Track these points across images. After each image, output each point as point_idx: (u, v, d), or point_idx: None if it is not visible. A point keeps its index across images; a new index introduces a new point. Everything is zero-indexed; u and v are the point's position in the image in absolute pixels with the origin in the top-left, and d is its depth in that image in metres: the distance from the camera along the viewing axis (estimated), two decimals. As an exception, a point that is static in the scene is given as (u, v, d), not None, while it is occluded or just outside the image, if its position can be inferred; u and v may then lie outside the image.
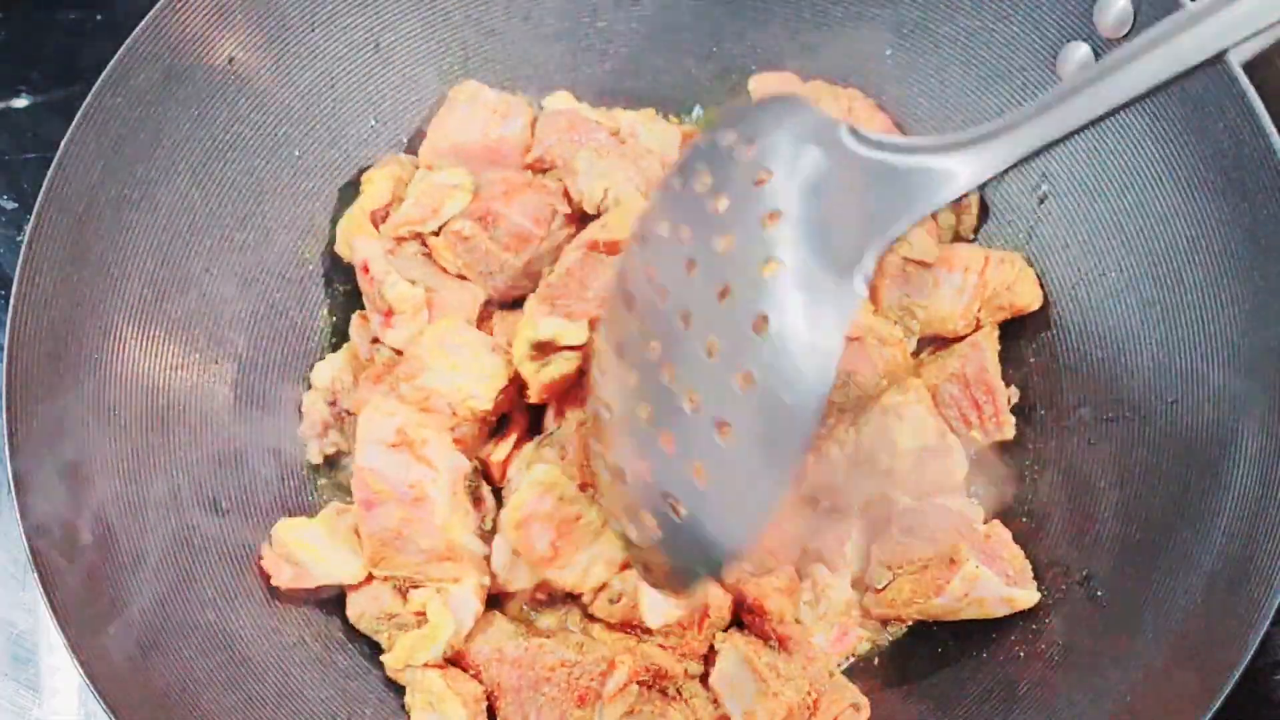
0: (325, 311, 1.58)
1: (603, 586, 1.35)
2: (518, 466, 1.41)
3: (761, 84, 1.61)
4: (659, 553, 1.08)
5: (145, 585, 1.28)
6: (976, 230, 1.54)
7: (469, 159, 1.55)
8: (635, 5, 1.62)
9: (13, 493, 1.18)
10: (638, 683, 1.31)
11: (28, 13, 1.88)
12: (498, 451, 1.43)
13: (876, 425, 1.38)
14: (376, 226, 1.52)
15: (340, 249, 1.55)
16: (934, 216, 1.49)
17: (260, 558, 1.39)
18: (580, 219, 1.49)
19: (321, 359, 1.55)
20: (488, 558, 1.38)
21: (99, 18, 1.87)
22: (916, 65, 1.54)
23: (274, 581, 1.37)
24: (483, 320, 1.49)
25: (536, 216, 1.45)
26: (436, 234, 1.48)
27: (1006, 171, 0.97)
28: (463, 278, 1.50)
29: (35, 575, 1.17)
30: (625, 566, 1.34)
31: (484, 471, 1.43)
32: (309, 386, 1.53)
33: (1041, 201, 1.48)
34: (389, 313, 1.46)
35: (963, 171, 0.97)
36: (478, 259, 1.46)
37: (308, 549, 1.37)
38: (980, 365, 1.42)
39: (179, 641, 1.26)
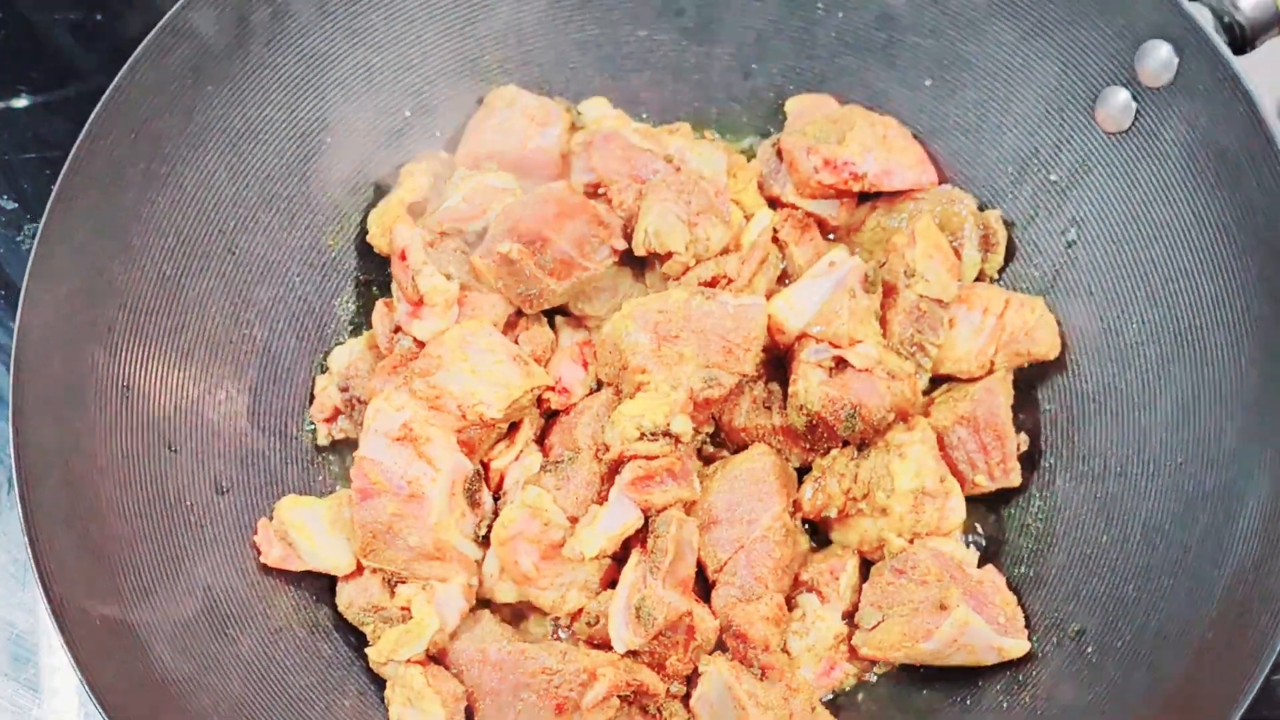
0: (345, 299, 1.59)
1: (579, 611, 1.35)
2: (515, 478, 1.41)
3: (799, 105, 1.60)
4: None
5: (139, 560, 1.29)
6: (1001, 271, 1.52)
7: (506, 165, 1.55)
8: (679, 16, 1.62)
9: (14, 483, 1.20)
10: (619, 697, 1.30)
11: (28, 13, 1.87)
12: (501, 459, 1.43)
13: (878, 462, 1.37)
14: (414, 218, 1.52)
15: (373, 238, 1.55)
16: (957, 253, 1.47)
17: (254, 532, 1.40)
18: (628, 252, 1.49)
19: (340, 344, 1.55)
20: (480, 561, 1.39)
21: (99, 18, 1.86)
22: (955, 98, 1.53)
23: (262, 558, 1.38)
24: (509, 328, 1.49)
25: (584, 248, 1.45)
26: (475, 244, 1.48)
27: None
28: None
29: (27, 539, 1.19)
30: (604, 587, 1.35)
31: (485, 475, 1.43)
32: (323, 370, 1.54)
33: (1069, 246, 1.46)
34: (419, 303, 1.46)
35: None
36: (519, 281, 1.44)
37: (303, 532, 1.38)
38: (991, 410, 1.40)
39: (163, 613, 1.27)
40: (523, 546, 1.34)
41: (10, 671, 1.51)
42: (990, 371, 1.45)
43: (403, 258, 1.47)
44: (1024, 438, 1.44)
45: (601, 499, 1.35)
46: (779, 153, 1.54)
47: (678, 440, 1.33)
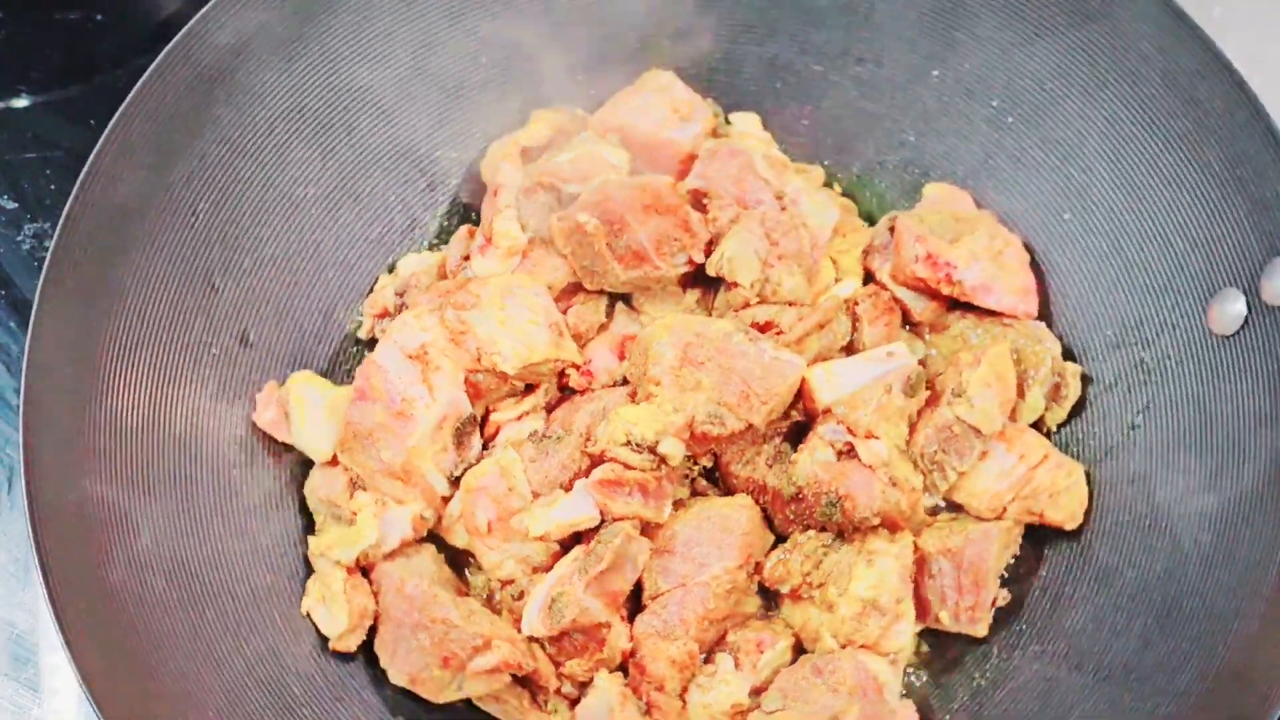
0: (440, 214, 1.63)
1: (510, 582, 1.36)
2: (507, 435, 1.42)
3: (936, 192, 1.57)
4: None
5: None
6: (1062, 426, 1.46)
7: (632, 145, 1.54)
8: (859, 64, 1.60)
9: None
10: (512, 675, 1.32)
11: (28, 13, 1.88)
12: (503, 414, 1.44)
13: (844, 558, 1.33)
14: (524, 161, 1.54)
15: (484, 166, 1.58)
16: (1022, 391, 1.42)
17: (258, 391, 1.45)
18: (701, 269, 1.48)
19: (416, 253, 1.59)
20: (447, 498, 1.41)
21: (99, 18, 1.85)
22: (1085, 242, 1.47)
23: (254, 416, 1.43)
24: (565, 295, 1.49)
25: (661, 247, 1.44)
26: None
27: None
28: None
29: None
30: (549, 569, 1.36)
31: (483, 423, 1.45)
32: (390, 270, 1.58)
33: (1132, 429, 1.40)
34: (488, 242, 1.49)
35: None
36: (587, 255, 1.44)
37: (301, 408, 1.42)
38: (980, 555, 1.35)
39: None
40: (484, 501, 1.36)
41: (10, 671, 1.52)
42: (999, 517, 1.39)
43: (494, 194, 1.50)
44: (1006, 594, 1.39)
45: (569, 486, 1.35)
46: (892, 229, 1.50)
47: (663, 461, 1.33)
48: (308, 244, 1.54)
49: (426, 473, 1.37)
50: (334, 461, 1.42)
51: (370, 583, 1.38)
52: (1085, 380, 1.45)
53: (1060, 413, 1.45)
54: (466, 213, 1.63)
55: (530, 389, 1.47)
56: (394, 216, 1.60)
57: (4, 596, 1.53)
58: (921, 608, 1.37)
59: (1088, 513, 1.40)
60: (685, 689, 1.33)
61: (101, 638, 1.19)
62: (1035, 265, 1.50)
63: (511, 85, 1.61)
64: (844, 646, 1.33)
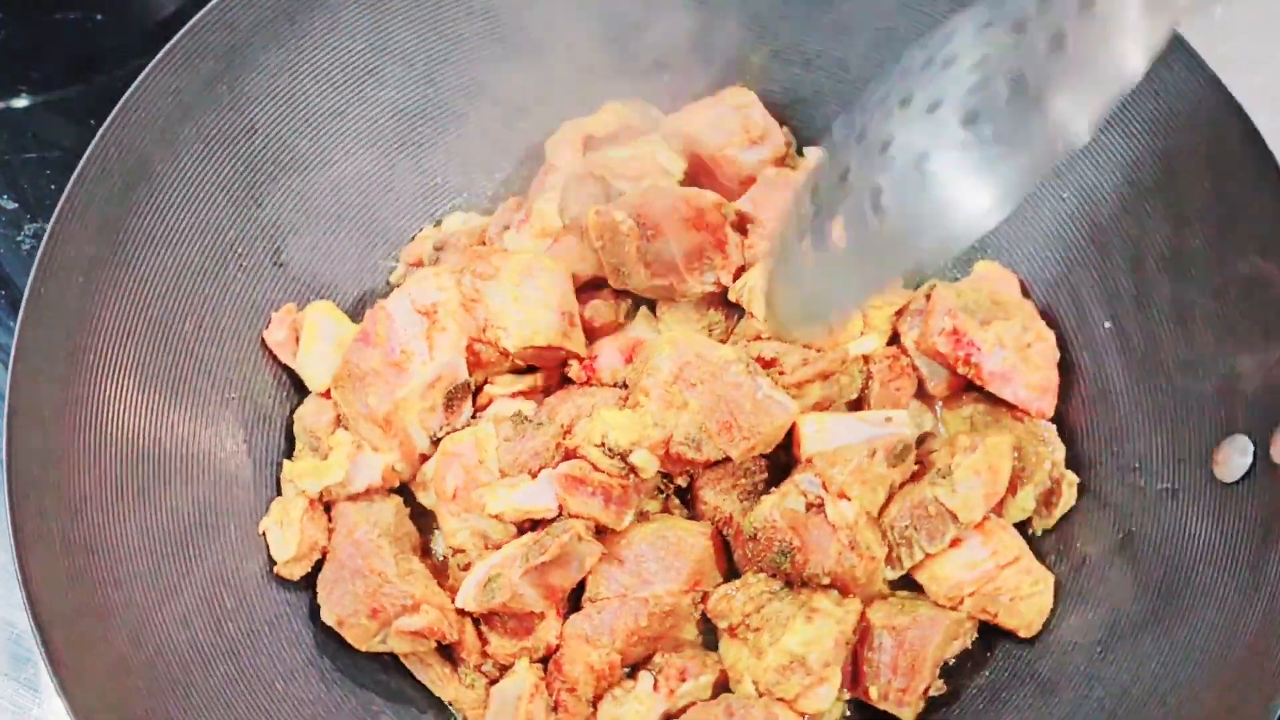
0: (501, 179, 1.65)
1: (462, 551, 1.38)
2: (495, 410, 1.44)
3: (985, 269, 1.54)
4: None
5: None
6: (1049, 531, 1.43)
7: (697, 156, 1.55)
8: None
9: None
10: (437, 641, 1.34)
11: (28, 13, 1.87)
12: (498, 387, 1.46)
13: (785, 608, 1.32)
14: (584, 148, 1.56)
15: (550, 144, 1.58)
16: (1013, 490, 1.39)
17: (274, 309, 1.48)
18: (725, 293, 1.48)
19: (463, 212, 1.62)
20: (425, 456, 1.43)
21: (99, 18, 1.85)
22: (1121, 351, 1.43)
23: (265, 332, 1.46)
24: (588, 288, 1.51)
25: (691, 263, 1.44)
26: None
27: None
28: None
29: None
30: (490, 547, 1.37)
31: (477, 392, 1.46)
32: (436, 224, 1.61)
33: (1111, 553, 1.37)
34: (527, 218, 1.51)
35: None
36: (617, 254, 1.44)
37: (311, 335, 1.45)
38: (922, 640, 1.32)
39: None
40: (455, 467, 1.38)
41: (10, 671, 1.52)
42: (955, 607, 1.37)
43: (546, 173, 1.52)
44: (943, 685, 1.36)
45: (536, 474, 1.36)
46: (928, 296, 1.48)
47: (633, 470, 1.33)
48: (362, 180, 1.56)
49: (409, 426, 1.39)
50: (327, 394, 1.45)
51: (329, 519, 1.41)
52: (1081, 491, 1.42)
53: (1049, 520, 1.42)
54: (526, 185, 1.63)
55: (532, 371, 1.48)
56: (451, 172, 1.62)
57: (4, 596, 1.54)
58: (855, 678, 1.36)
59: (1047, 623, 1.36)
60: (600, 696, 1.34)
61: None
62: (1064, 364, 1.47)
63: (601, 70, 1.60)
64: (762, 695, 1.32)
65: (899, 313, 1.51)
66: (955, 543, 1.36)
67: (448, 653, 1.39)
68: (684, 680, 1.34)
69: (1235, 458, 1.27)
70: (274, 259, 1.50)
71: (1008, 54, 0.91)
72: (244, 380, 1.45)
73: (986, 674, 1.39)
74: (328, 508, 1.42)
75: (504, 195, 1.63)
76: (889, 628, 1.34)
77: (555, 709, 1.32)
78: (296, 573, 1.38)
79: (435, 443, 1.42)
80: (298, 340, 1.46)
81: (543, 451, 1.37)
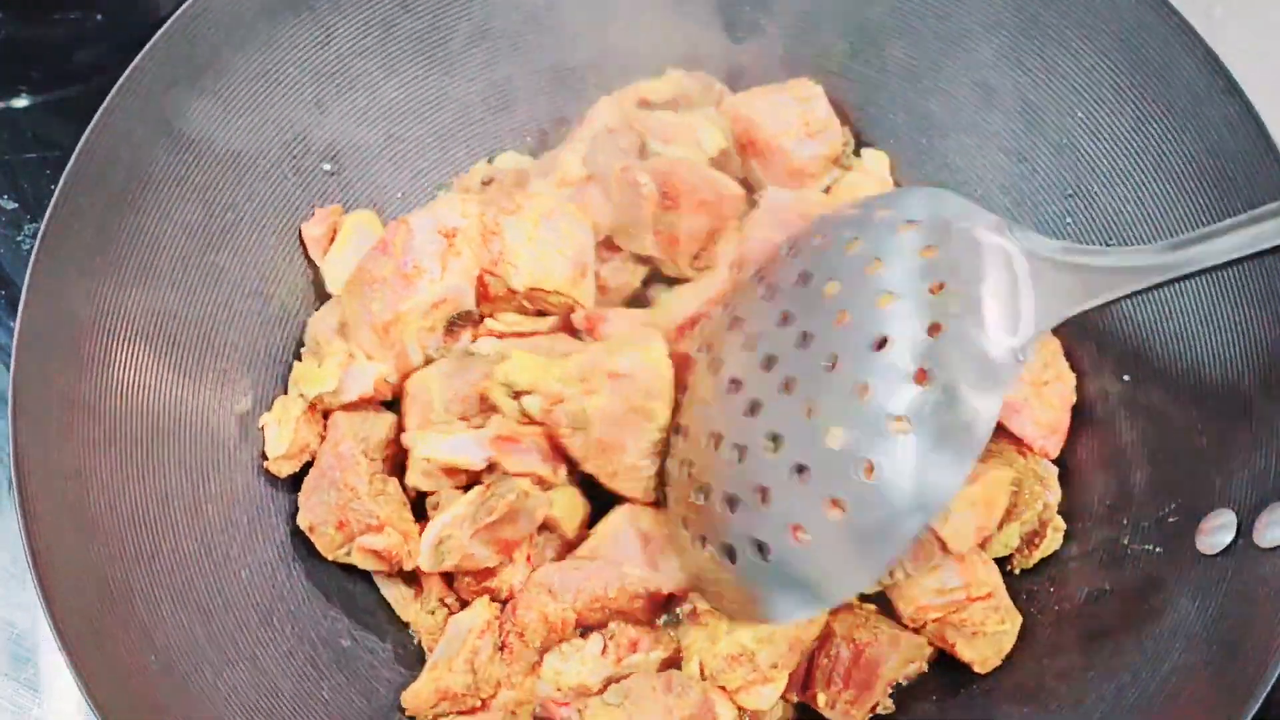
0: (555, 126, 1.65)
1: (430, 494, 1.39)
2: (481, 344, 1.43)
3: None
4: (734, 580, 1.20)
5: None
6: (1025, 572, 1.41)
7: (751, 141, 1.54)
8: (1013, 160, 1.53)
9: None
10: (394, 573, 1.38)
11: (28, 13, 1.87)
12: (497, 324, 1.45)
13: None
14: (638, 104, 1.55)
15: (607, 100, 1.58)
16: (1000, 524, 1.36)
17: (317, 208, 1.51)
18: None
19: (518, 153, 1.63)
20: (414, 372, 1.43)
21: (99, 18, 1.85)
22: (1133, 404, 1.40)
23: (304, 224, 1.49)
24: (608, 246, 1.49)
25: (692, 243, 1.43)
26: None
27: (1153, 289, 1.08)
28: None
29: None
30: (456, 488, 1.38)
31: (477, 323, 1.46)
32: (489, 160, 1.62)
33: (1086, 603, 1.35)
34: (552, 168, 1.52)
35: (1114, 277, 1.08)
36: (630, 213, 1.43)
37: (346, 237, 1.48)
38: (879, 659, 1.31)
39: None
40: (415, 408, 1.40)
41: (10, 671, 1.52)
42: (917, 629, 1.36)
43: (580, 123, 1.54)
44: (891, 704, 1.36)
45: (467, 416, 1.37)
46: None
47: (525, 415, 1.34)
48: (427, 103, 1.57)
49: (407, 339, 1.40)
50: (338, 301, 1.47)
51: (324, 427, 1.43)
52: (1067, 539, 1.40)
53: (1028, 560, 1.40)
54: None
55: (542, 314, 1.48)
56: (516, 112, 1.62)
57: (4, 596, 1.55)
58: (807, 681, 1.35)
59: (1005, 663, 1.35)
60: (547, 648, 1.34)
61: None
62: (1075, 408, 1.44)
63: (677, 35, 1.59)
64: (705, 679, 1.31)
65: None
66: (932, 566, 1.34)
67: (411, 580, 1.41)
68: (634, 651, 1.33)
69: (1219, 532, 1.25)
70: (327, 166, 1.52)
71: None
72: (276, 277, 1.48)
73: (934, 700, 1.37)
74: (326, 415, 1.43)
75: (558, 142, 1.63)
76: (848, 639, 1.33)
77: (502, 649, 1.32)
78: (284, 470, 1.40)
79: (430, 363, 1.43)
80: (331, 241, 1.49)
81: (475, 389, 1.37)
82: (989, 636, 1.33)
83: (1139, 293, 1.07)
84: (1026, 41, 1.44)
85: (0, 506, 1.59)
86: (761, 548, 1.14)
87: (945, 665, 1.38)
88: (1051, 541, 1.38)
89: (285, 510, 1.41)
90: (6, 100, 1.81)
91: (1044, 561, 1.40)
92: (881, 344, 1.09)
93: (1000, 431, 1.41)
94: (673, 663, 1.35)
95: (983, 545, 1.37)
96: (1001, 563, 1.40)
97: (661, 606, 1.34)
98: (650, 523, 1.33)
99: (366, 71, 1.52)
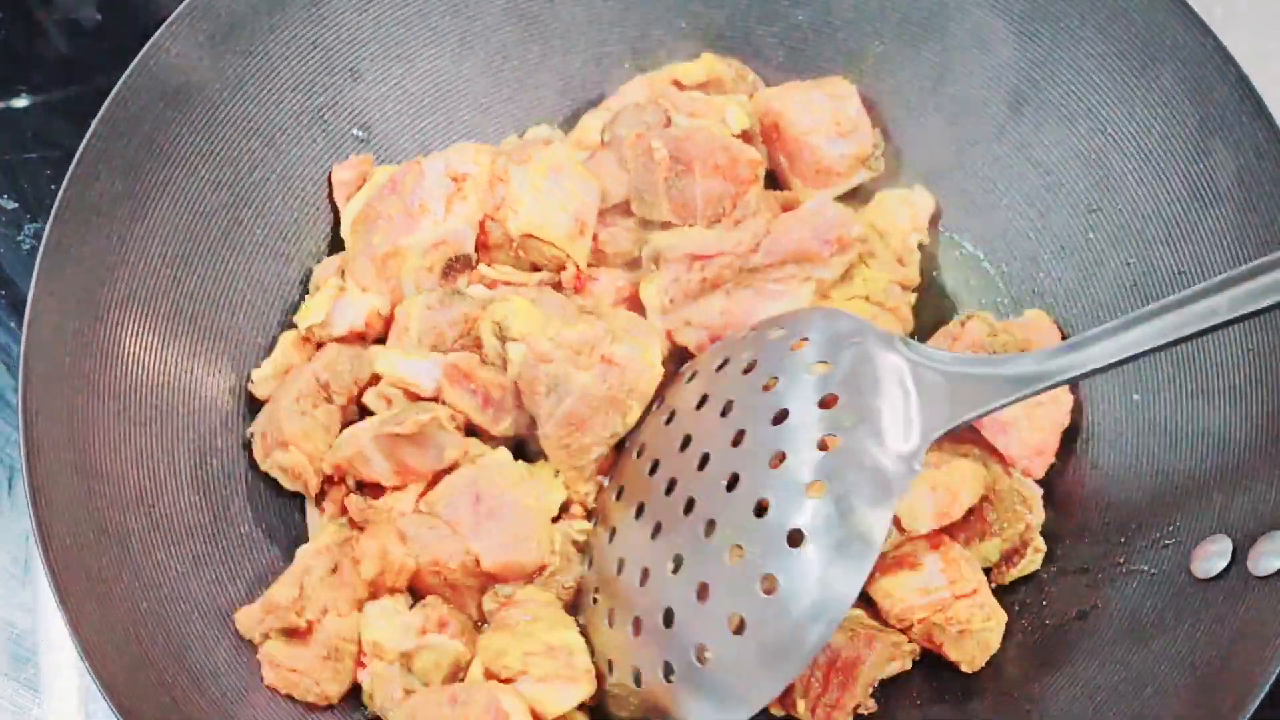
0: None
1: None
2: (474, 288, 1.44)
3: (1034, 317, 1.49)
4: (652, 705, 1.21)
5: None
6: (1005, 587, 1.39)
7: (778, 134, 1.53)
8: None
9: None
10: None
11: (28, 13, 1.87)
12: (491, 272, 1.45)
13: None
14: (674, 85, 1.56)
15: (639, 78, 1.59)
16: (983, 536, 1.37)
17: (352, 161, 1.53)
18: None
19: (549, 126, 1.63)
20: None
21: (99, 18, 1.86)
22: (1137, 428, 1.38)
23: (337, 166, 1.52)
24: (618, 210, 1.48)
25: (707, 206, 1.43)
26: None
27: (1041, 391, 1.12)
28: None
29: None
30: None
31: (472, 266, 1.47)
32: (521, 135, 1.62)
33: (1073, 620, 1.34)
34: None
35: (1005, 386, 1.14)
36: (644, 179, 1.43)
37: (372, 183, 1.50)
38: (858, 659, 1.30)
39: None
40: (394, 332, 1.43)
41: (10, 671, 1.52)
42: (903, 631, 1.35)
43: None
44: (874, 704, 1.34)
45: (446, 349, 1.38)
46: (964, 323, 1.46)
47: (501, 358, 1.34)
48: (462, 77, 1.58)
49: (403, 276, 1.42)
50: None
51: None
52: (1058, 555, 1.39)
53: (1004, 578, 1.39)
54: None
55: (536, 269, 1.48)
56: (550, 89, 1.63)
57: (4, 596, 1.56)
58: (785, 692, 1.32)
59: (990, 663, 1.34)
60: (375, 591, 1.33)
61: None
62: (1071, 429, 1.43)
63: (714, 25, 1.60)
64: (489, 679, 1.29)
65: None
66: (914, 565, 1.34)
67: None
68: (441, 629, 1.32)
69: (1214, 558, 1.24)
70: (358, 131, 1.54)
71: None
72: (298, 238, 1.51)
73: (918, 699, 1.37)
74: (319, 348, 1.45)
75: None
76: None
77: (334, 571, 1.32)
78: (261, 390, 1.43)
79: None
80: (359, 187, 1.51)
81: (457, 322, 1.38)
82: (975, 635, 1.33)
83: (1024, 397, 1.13)
84: (1059, 52, 1.44)
85: (1, 506, 1.61)
86: (668, 669, 1.16)
87: (929, 671, 1.38)
88: (1030, 562, 1.38)
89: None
90: (6, 100, 1.82)
91: (1034, 577, 1.40)
92: (780, 460, 1.13)
93: (986, 446, 1.42)
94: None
95: (965, 543, 1.37)
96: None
97: (484, 590, 1.34)
98: (488, 484, 1.33)
99: (403, 41, 1.54)
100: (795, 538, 1.09)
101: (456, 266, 1.44)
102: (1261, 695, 1.10)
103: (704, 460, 1.19)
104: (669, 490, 1.22)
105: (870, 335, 1.18)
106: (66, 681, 1.51)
